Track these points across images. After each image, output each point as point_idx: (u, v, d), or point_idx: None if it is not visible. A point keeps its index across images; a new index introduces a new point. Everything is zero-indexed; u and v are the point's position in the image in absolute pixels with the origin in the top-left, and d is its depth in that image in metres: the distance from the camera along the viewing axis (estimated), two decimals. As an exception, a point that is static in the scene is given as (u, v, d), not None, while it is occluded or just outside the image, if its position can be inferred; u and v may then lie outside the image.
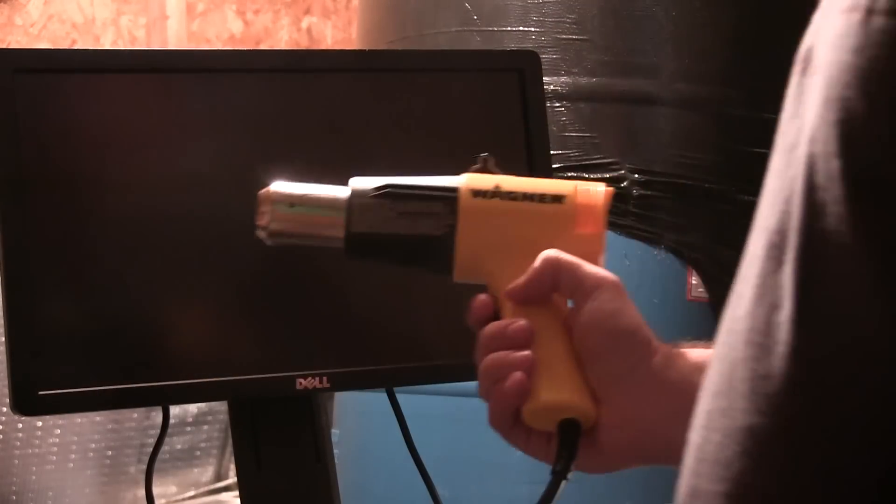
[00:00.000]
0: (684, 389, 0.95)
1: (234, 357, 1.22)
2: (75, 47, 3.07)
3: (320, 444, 1.26)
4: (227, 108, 1.25)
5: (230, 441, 1.28)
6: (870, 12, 0.57)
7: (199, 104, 1.25)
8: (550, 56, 2.09)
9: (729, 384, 0.62)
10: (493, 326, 1.01)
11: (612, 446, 1.00)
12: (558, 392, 0.99)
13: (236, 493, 1.30)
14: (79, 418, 2.47)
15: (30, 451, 2.43)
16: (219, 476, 2.78)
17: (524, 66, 1.32)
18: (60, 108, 1.19)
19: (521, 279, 1.01)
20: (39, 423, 2.42)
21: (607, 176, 2.09)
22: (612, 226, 2.05)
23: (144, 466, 1.25)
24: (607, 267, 1.02)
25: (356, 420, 2.19)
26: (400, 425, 1.29)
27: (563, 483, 0.98)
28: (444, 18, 2.18)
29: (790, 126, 0.61)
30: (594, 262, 1.02)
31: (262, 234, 1.06)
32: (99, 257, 1.19)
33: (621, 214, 2.07)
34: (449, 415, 2.03)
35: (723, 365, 0.62)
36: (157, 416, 2.49)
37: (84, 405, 1.21)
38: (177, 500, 2.72)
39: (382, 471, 2.10)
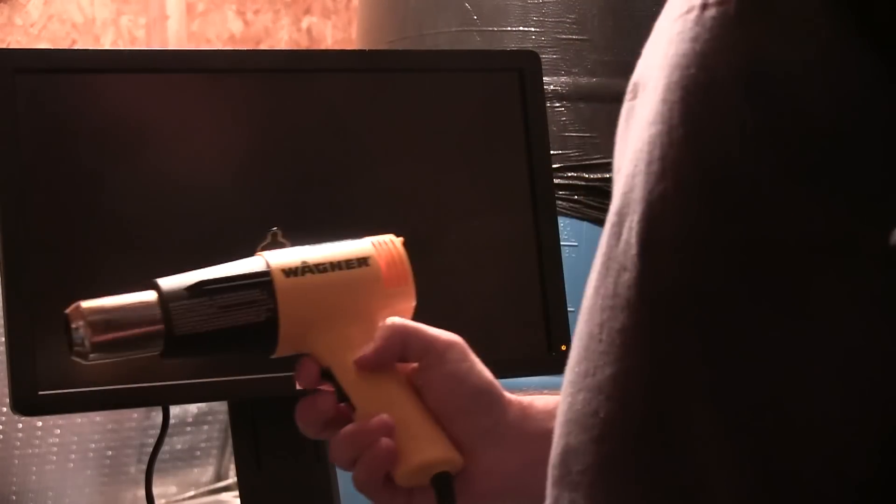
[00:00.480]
0: (541, 437, 0.98)
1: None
2: (75, 47, 3.07)
3: (320, 443, 1.25)
4: (227, 108, 1.25)
5: (230, 441, 1.28)
6: (704, 7, 0.64)
7: (199, 104, 1.25)
8: (550, 56, 2.09)
9: (587, 350, 0.66)
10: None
11: (481, 491, 1.04)
12: (428, 451, 1.02)
13: (236, 493, 1.30)
14: (79, 418, 2.47)
15: (30, 451, 2.43)
16: (219, 476, 2.78)
17: (524, 66, 1.32)
18: (60, 108, 1.19)
19: (370, 349, 1.03)
20: (39, 423, 2.42)
21: (607, 176, 2.08)
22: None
23: (144, 466, 1.25)
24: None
25: (356, 420, 2.19)
26: (400, 425, 1.29)
27: None
28: (444, 18, 2.18)
29: (621, 141, 0.68)
30: (408, 312, 1.06)
31: (79, 352, 1.01)
32: (99, 257, 1.19)
33: (621, 214, 2.07)
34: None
35: (581, 339, 0.67)
36: (157, 416, 2.48)
37: (84, 405, 1.20)
38: (177, 500, 2.72)
39: (382, 471, 2.09)
